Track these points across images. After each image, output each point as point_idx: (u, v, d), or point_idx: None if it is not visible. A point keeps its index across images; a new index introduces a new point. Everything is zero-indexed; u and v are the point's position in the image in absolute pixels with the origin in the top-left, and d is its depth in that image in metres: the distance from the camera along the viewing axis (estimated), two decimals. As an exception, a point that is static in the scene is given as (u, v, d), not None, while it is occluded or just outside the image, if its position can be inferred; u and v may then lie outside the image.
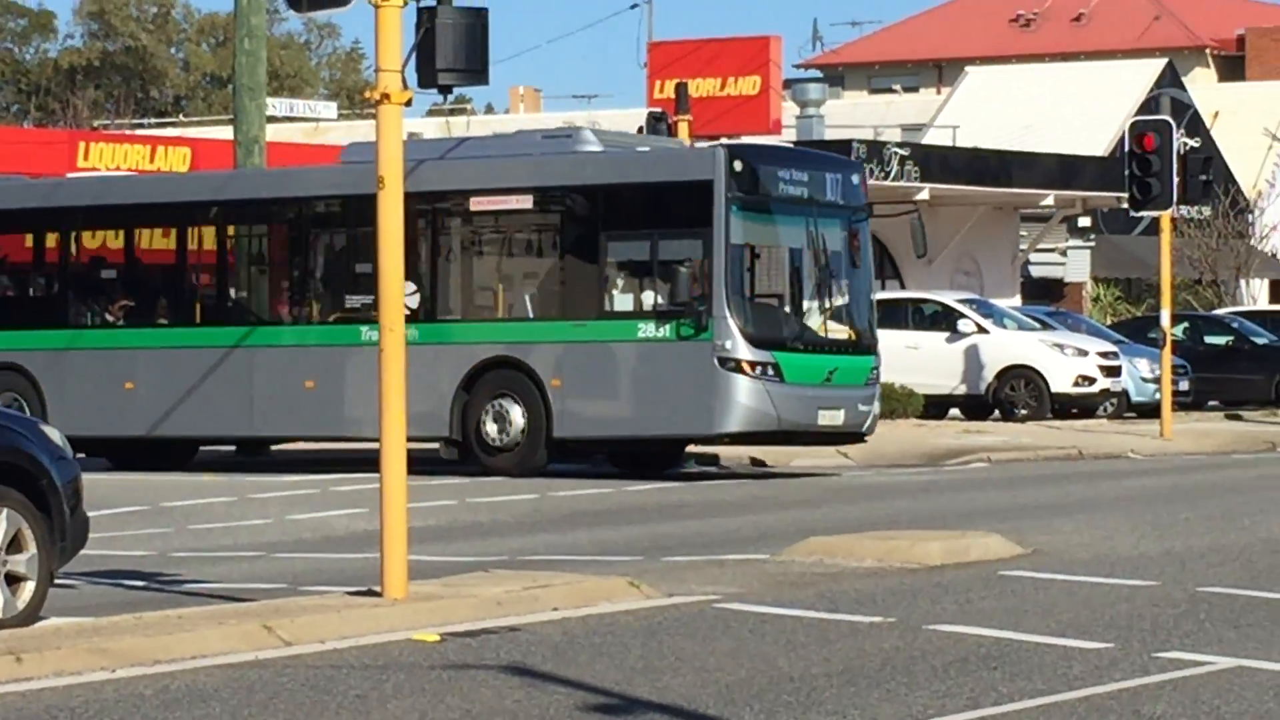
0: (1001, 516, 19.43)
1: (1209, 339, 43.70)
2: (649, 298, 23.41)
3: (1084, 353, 36.14)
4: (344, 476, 26.91)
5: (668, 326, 23.01)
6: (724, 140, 25.74)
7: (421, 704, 10.02)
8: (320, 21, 78.07)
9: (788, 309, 24.21)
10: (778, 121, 48.94)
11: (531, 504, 23.74)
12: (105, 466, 27.58)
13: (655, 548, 18.30)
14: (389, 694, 10.29)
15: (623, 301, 23.76)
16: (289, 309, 26.88)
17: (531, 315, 24.71)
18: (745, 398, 22.64)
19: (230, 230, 27.65)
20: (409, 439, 25.64)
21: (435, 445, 25.07)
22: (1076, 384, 36.20)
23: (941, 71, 80.00)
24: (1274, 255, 61.50)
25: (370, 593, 13.84)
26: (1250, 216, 59.95)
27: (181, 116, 73.42)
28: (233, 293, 27.94)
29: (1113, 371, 36.67)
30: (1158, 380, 33.82)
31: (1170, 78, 62.40)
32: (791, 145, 26.37)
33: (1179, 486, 23.19)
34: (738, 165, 22.85)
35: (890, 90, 77.76)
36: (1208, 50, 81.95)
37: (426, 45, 13.48)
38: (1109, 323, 47.52)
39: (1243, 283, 58.26)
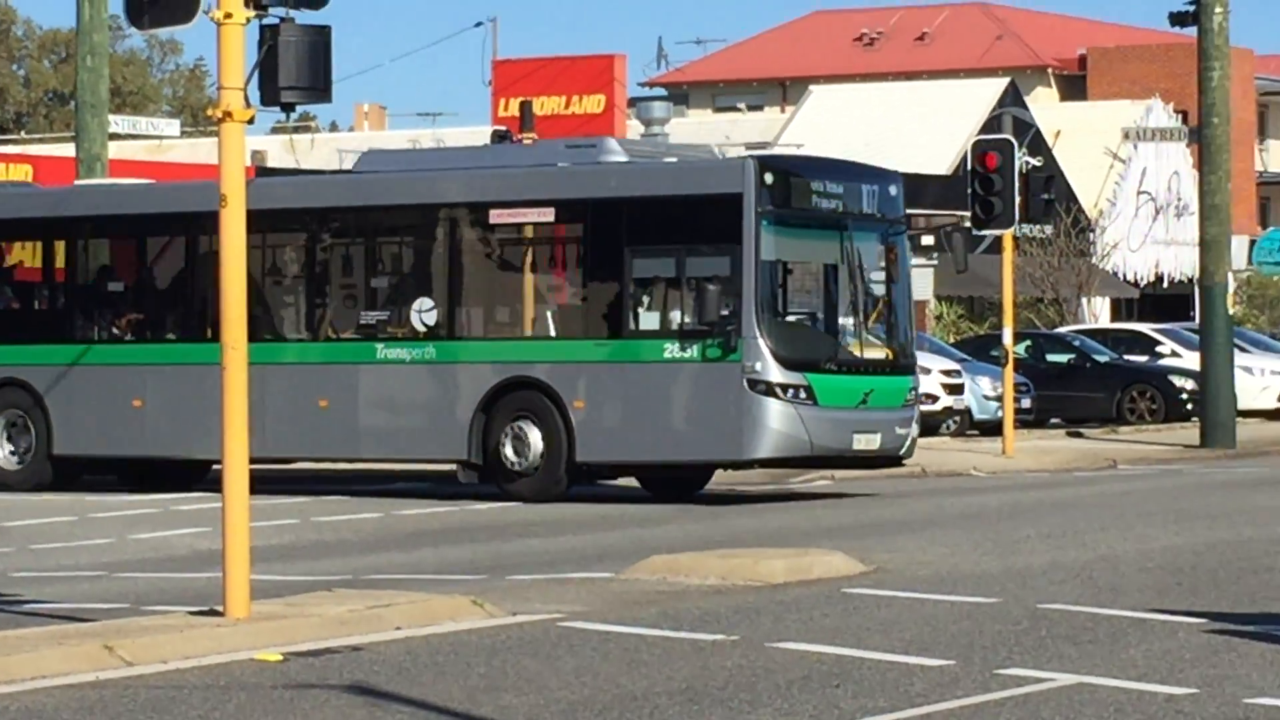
0: (845, 534, 19.75)
1: (1051, 357, 44.88)
2: (676, 316, 22.68)
3: (927, 370, 36.92)
4: (186, 496, 26.80)
5: (695, 347, 22.27)
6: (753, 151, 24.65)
7: None
8: (163, 38, 78.30)
9: (821, 328, 23.65)
10: (623, 131, 49.38)
11: (376, 522, 23.78)
12: (113, 485, 27.62)
13: (500, 566, 18.41)
14: (230, 714, 10.34)
15: (648, 320, 22.98)
16: (303, 325, 26.29)
17: (554, 333, 23.99)
18: (776, 422, 21.97)
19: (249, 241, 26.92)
20: (425, 461, 25.57)
21: (453, 467, 24.85)
22: (920, 401, 37.10)
23: (786, 90, 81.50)
24: (1115, 274, 63.13)
25: (212, 612, 13.84)
26: (1091, 235, 61.50)
27: (23, 134, 72.61)
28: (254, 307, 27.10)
29: (955, 389, 37.57)
30: (1000, 398, 34.70)
31: (1012, 97, 63.93)
32: (827, 157, 25.45)
33: (1020, 504, 23.80)
34: (769, 177, 22.14)
35: (735, 109, 78.89)
36: (1050, 70, 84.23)
37: (269, 63, 13.27)
38: (952, 341, 48.61)
39: (1084, 301, 59.74)
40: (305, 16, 13.42)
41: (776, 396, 21.72)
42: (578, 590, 16.18)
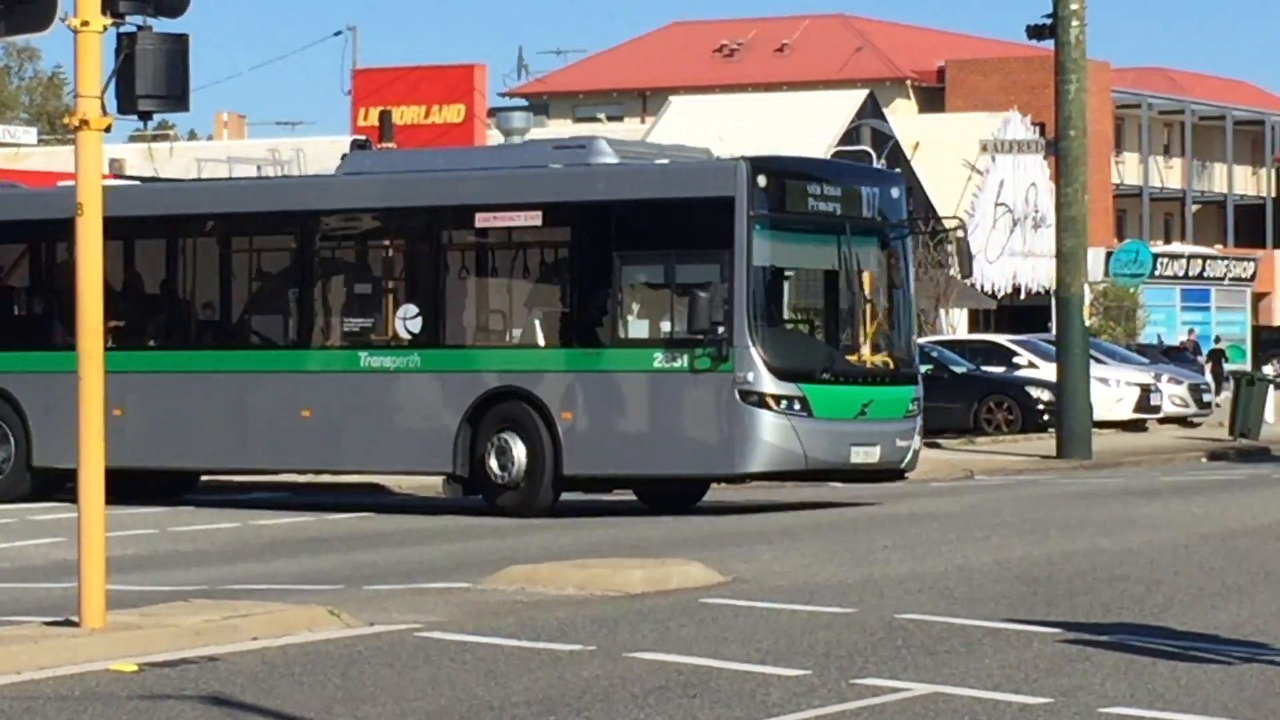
0: (704, 544, 19.76)
1: (909, 368, 45.48)
2: (666, 324, 22.17)
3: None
4: (45, 505, 26.40)
5: (685, 356, 21.60)
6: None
7: None
8: (19, 45, 77.14)
9: (818, 337, 23.38)
10: (484, 140, 49.83)
11: (233, 533, 23.65)
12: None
13: (357, 576, 18.45)
14: None
15: (638, 328, 22.54)
16: (285, 332, 25.53)
17: (541, 342, 23.26)
18: (769, 435, 21.30)
19: (227, 245, 26.19)
20: (410, 473, 25.16)
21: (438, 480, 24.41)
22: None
23: (646, 101, 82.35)
24: (973, 285, 64.23)
25: (68, 623, 13.81)
26: (949, 247, 62.63)
27: None
28: (224, 313, 26.38)
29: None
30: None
31: (871, 108, 64.88)
32: (824, 159, 23.70)
33: (878, 515, 23.87)
34: (762, 180, 21.41)
35: (595, 119, 79.58)
36: (908, 81, 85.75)
37: (126, 71, 13.24)
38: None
39: (942, 312, 60.65)
40: (163, 25, 13.43)
41: (769, 408, 21.18)
42: (435, 600, 16.11)
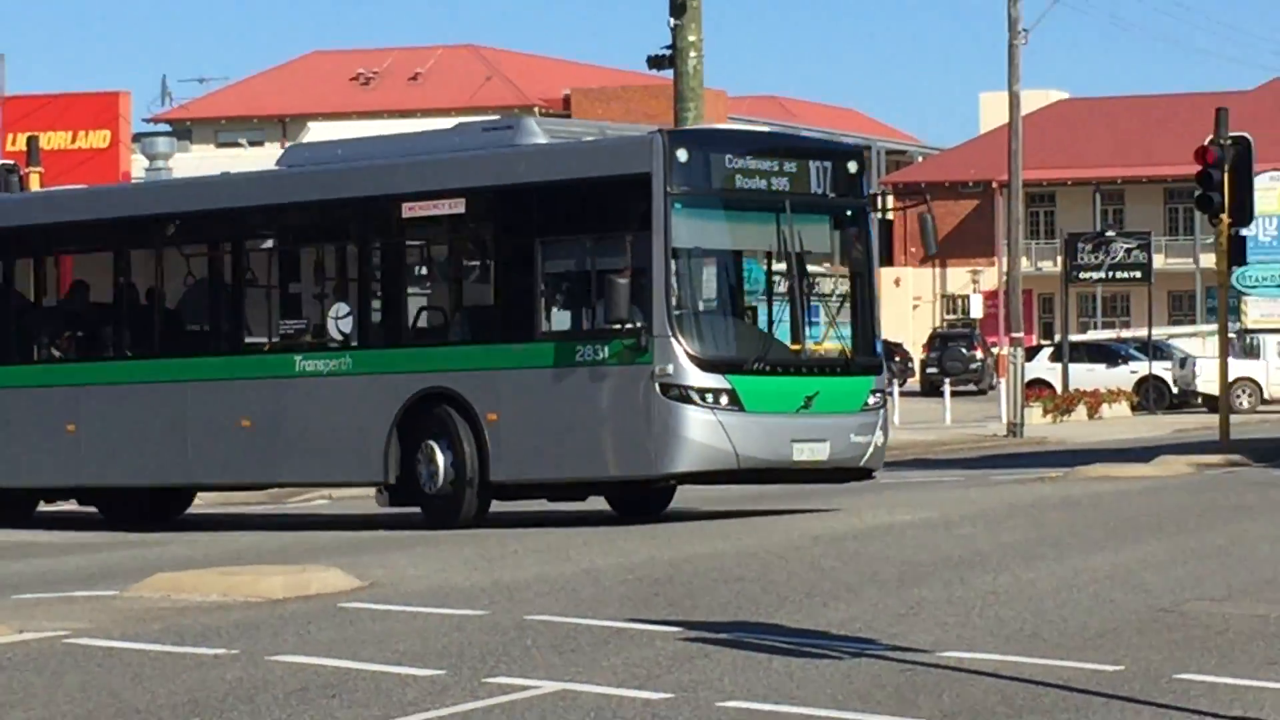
0: (343, 551, 19.51)
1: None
2: (588, 315, 20.25)
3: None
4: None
5: (605, 348, 19.69)
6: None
7: None
8: None
9: (749, 323, 20.98)
10: (127, 174, 50.44)
11: None
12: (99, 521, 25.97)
13: (5, 586, 18.29)
14: None
15: (560, 320, 20.64)
16: (221, 336, 24.06)
17: (468, 338, 21.49)
18: (693, 432, 19.17)
19: (158, 251, 24.45)
20: (337, 484, 24.41)
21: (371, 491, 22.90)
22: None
23: (286, 126, 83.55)
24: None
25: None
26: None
27: None
28: (161, 319, 24.68)
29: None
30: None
31: (501, 135, 67.56)
32: (765, 130, 21.25)
33: (507, 520, 23.26)
34: (682, 154, 19.32)
35: (237, 144, 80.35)
36: (536, 108, 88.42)
37: None
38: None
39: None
40: None
41: (693, 403, 19.08)
42: (83, 608, 15.99)
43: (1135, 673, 11.61)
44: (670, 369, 18.93)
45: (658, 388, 19.01)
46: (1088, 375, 54.59)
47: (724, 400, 19.12)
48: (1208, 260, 48.41)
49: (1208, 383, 54.06)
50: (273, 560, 19.05)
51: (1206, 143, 32.01)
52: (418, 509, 21.58)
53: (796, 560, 17.94)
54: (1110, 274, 56.38)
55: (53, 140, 41.80)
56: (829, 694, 10.58)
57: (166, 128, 79.78)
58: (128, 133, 50.78)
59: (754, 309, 20.95)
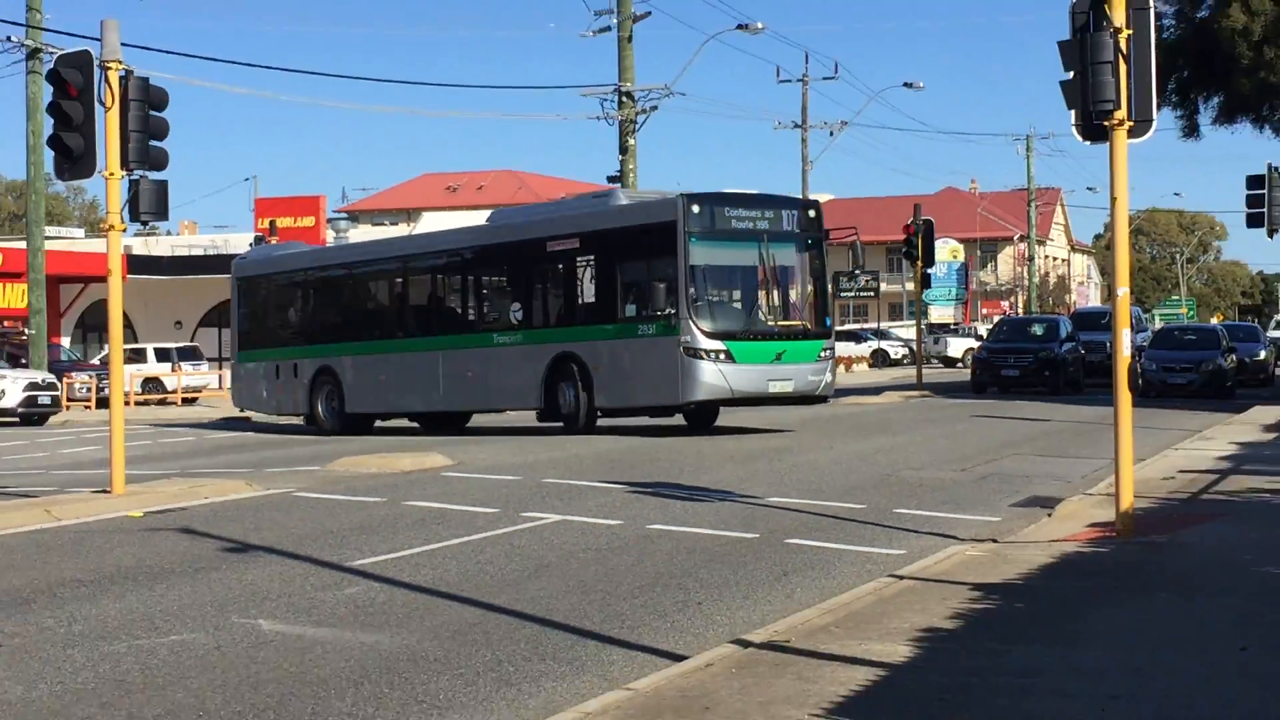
0: (442, 446, 26.17)
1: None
2: (646, 307, 27.36)
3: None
4: (92, 426, 32.42)
5: (654, 326, 26.92)
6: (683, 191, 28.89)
7: (134, 550, 14.21)
8: (74, 185, 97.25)
9: (739, 310, 27.76)
10: (323, 240, 59.70)
11: (193, 441, 30.41)
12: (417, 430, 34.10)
13: (262, 464, 24.08)
14: (115, 544, 14.52)
15: (629, 310, 27.86)
16: (455, 324, 32.27)
17: (582, 321, 29.00)
18: (703, 375, 26.24)
19: (428, 274, 33.55)
20: (516, 409, 32.98)
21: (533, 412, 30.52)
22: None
23: (410, 215, 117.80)
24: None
25: (104, 491, 18.07)
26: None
27: None
28: (426, 315, 33.29)
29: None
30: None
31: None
32: (751, 192, 28.91)
33: (522, 431, 27.94)
34: (695, 208, 26.67)
35: (383, 225, 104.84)
36: None
37: (134, 199, 18.04)
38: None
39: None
40: (152, 174, 18.11)
41: (702, 358, 26.22)
42: (302, 477, 21.30)
43: (871, 509, 16.70)
44: (689, 339, 26.28)
45: (682, 349, 26.34)
46: (841, 348, 70.85)
47: (722, 356, 26.34)
48: (910, 285, 63.86)
49: (951, 351, 74.50)
50: (410, 449, 25.36)
51: (909, 222, 45.06)
52: (558, 423, 29.37)
53: (691, 451, 24.77)
54: (858, 294, 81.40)
55: (282, 221, 49.32)
56: (708, 521, 15.69)
57: (344, 215, 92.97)
58: (323, 217, 60.85)
59: (743, 300, 27.95)
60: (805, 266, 28.45)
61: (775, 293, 27.78)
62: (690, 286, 26.49)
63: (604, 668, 9.56)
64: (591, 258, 29.13)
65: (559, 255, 29.91)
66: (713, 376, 26.40)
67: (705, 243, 26.86)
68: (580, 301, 29.59)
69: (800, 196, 31.87)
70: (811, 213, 28.88)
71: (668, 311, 26.74)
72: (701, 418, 30.03)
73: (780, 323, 27.64)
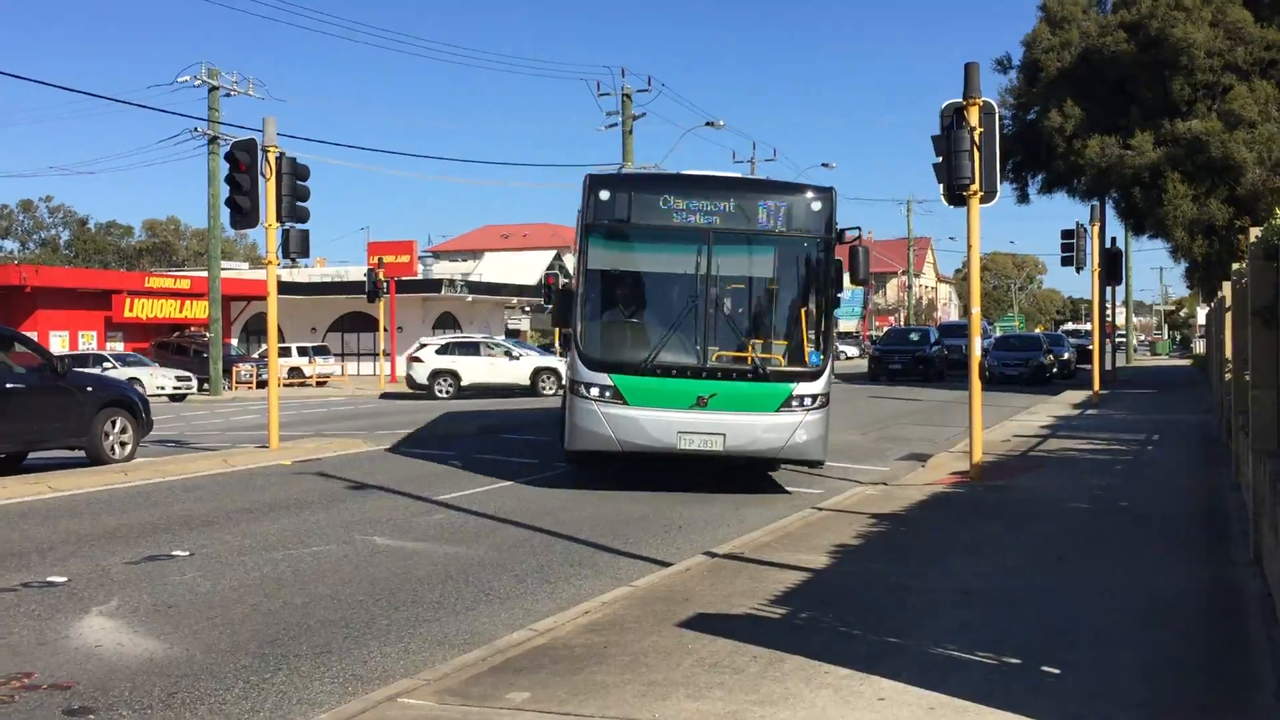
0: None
1: None
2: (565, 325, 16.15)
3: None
4: (252, 401, 31.96)
5: (570, 351, 15.52)
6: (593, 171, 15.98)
7: (285, 488, 14.45)
8: (242, 233, 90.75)
9: (641, 329, 14.81)
10: (415, 272, 58.21)
11: (324, 411, 29.30)
12: None
13: (374, 429, 22.89)
14: (272, 483, 14.87)
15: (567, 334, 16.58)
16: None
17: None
18: (580, 419, 14.39)
19: None
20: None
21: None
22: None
23: (475, 254, 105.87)
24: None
25: (264, 446, 18.41)
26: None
27: (184, 268, 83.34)
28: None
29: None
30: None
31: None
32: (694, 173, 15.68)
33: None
34: (603, 194, 14.62)
35: (459, 262, 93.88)
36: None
37: (286, 243, 17.78)
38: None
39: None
40: (298, 226, 18.07)
41: (582, 395, 14.33)
42: (395, 437, 20.47)
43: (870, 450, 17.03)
44: (575, 369, 14.53)
45: (569, 381, 14.98)
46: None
47: (607, 395, 14.16)
48: None
49: (850, 352, 73.66)
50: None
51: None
52: None
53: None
54: None
55: (386, 257, 49.12)
56: (684, 472, 15.51)
57: (430, 254, 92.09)
58: (415, 256, 60.56)
59: (657, 319, 14.66)
60: (788, 277, 14.88)
61: (719, 313, 14.65)
62: (587, 298, 14.67)
63: (615, 571, 9.62)
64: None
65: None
66: (590, 421, 14.31)
67: (612, 242, 14.82)
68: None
69: (791, 181, 16.12)
70: (815, 203, 14.72)
71: (568, 332, 15.15)
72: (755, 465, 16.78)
73: (714, 355, 14.43)
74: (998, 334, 54.35)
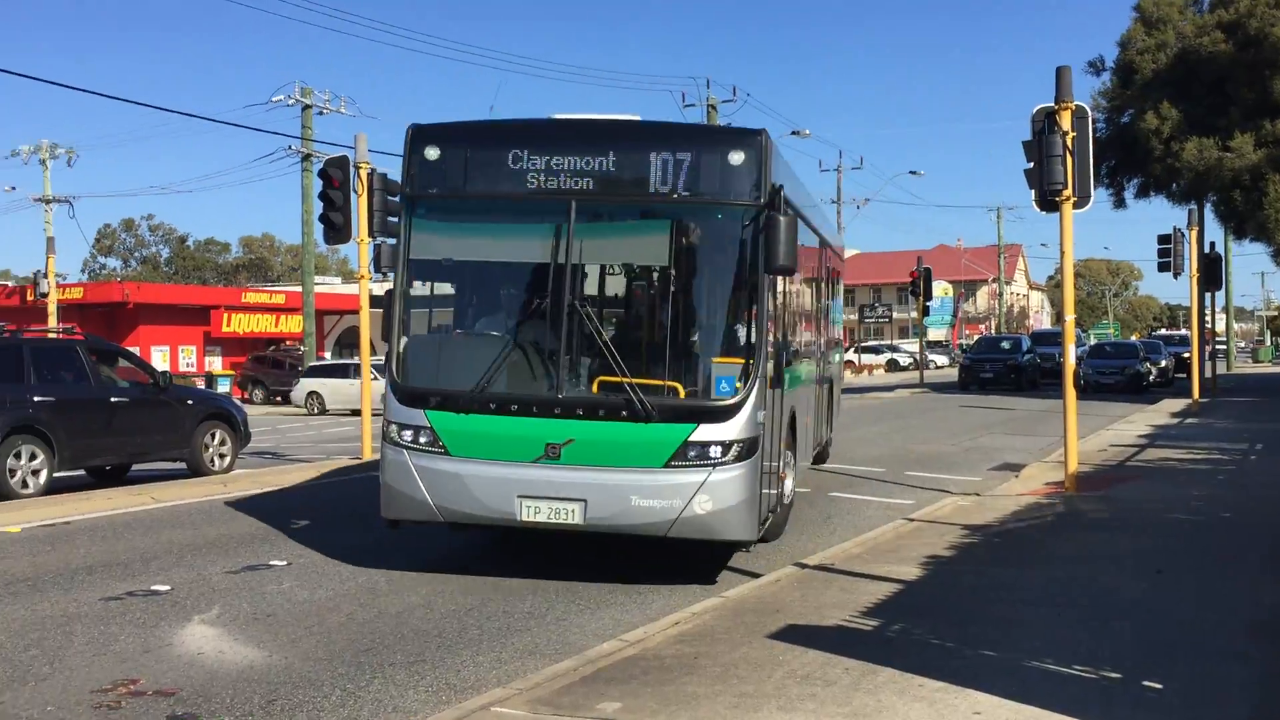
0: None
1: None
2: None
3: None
4: (343, 419, 31.58)
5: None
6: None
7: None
8: (334, 248, 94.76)
9: (477, 350, 9.90)
10: None
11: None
12: None
13: None
14: (370, 492, 10.93)
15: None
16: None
17: None
18: (389, 475, 9.88)
19: None
20: None
21: None
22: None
23: None
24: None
25: (357, 458, 18.08)
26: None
27: (278, 283, 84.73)
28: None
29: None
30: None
31: None
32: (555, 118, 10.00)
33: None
34: (430, 152, 9.90)
35: None
36: None
37: (378, 256, 11.98)
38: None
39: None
40: (389, 240, 15.63)
41: (393, 442, 9.84)
42: None
43: (889, 472, 16.83)
44: (387, 400, 10.04)
45: (384, 422, 10.05)
46: (864, 359, 69.95)
47: (422, 440, 9.70)
48: (914, 314, 61.81)
49: (939, 361, 74.08)
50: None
51: (913, 270, 41.85)
52: None
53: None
54: (876, 320, 77.28)
55: None
56: None
57: None
58: None
59: (499, 331, 10.04)
60: (695, 265, 9.76)
61: (584, 320, 9.42)
62: (405, 303, 10.14)
63: (704, 581, 9.66)
64: None
65: None
66: (401, 479, 9.79)
67: (442, 220, 10.10)
68: None
69: (704, 124, 10.54)
70: (735, 155, 9.47)
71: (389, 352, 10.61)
72: None
73: (573, 385, 9.39)
74: (1092, 342, 53.55)
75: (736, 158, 9.47)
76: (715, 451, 9.19)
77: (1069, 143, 13.24)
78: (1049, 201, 13.51)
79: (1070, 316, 13.73)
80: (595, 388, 9.36)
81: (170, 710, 6.38)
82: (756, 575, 9.56)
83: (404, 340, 9.98)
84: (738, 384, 9.26)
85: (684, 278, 9.64)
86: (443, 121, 10.28)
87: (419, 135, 9.96)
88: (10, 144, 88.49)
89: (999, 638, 7.15)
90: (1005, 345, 44.89)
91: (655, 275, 9.94)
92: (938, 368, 71.45)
